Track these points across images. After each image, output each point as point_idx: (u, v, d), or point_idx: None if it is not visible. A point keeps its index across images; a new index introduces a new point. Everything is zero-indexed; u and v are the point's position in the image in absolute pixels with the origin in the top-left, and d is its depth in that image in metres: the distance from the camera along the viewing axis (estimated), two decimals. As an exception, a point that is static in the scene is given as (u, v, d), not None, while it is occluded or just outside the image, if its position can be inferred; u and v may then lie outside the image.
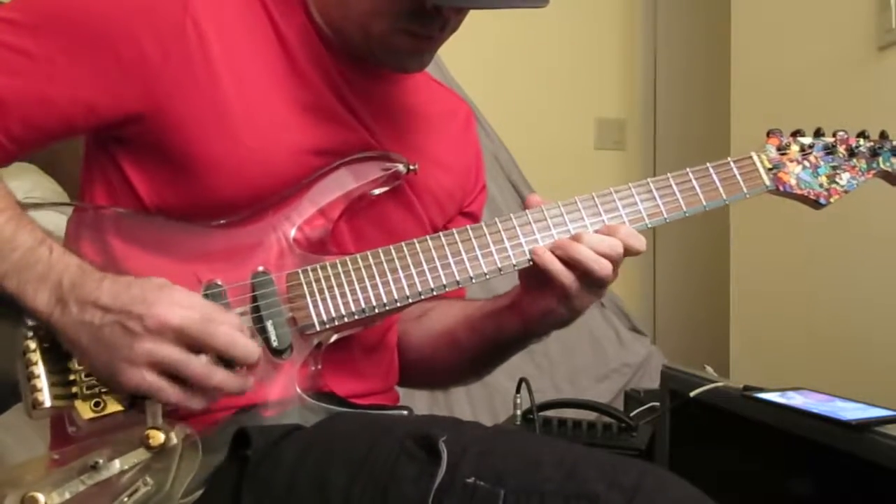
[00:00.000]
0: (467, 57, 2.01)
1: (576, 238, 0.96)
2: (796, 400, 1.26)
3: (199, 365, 0.84)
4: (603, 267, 0.94)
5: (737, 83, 2.42)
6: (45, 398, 0.85)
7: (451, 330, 1.12)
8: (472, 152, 1.20)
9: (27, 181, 1.72)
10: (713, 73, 2.71)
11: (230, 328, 0.85)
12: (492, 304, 1.07)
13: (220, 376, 0.85)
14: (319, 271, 0.95)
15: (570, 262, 0.95)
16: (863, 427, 1.10)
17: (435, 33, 0.96)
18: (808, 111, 2.07)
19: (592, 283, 0.96)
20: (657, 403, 1.81)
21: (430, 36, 0.97)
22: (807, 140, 1.08)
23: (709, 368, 1.83)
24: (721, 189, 1.02)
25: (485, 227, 0.98)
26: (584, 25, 3.02)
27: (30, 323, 0.87)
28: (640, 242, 0.97)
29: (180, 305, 0.84)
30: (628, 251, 0.96)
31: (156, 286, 0.85)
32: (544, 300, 0.99)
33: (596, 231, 0.97)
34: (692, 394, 1.42)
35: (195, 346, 0.84)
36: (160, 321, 0.82)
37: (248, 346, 0.86)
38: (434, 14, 0.93)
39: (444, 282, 0.96)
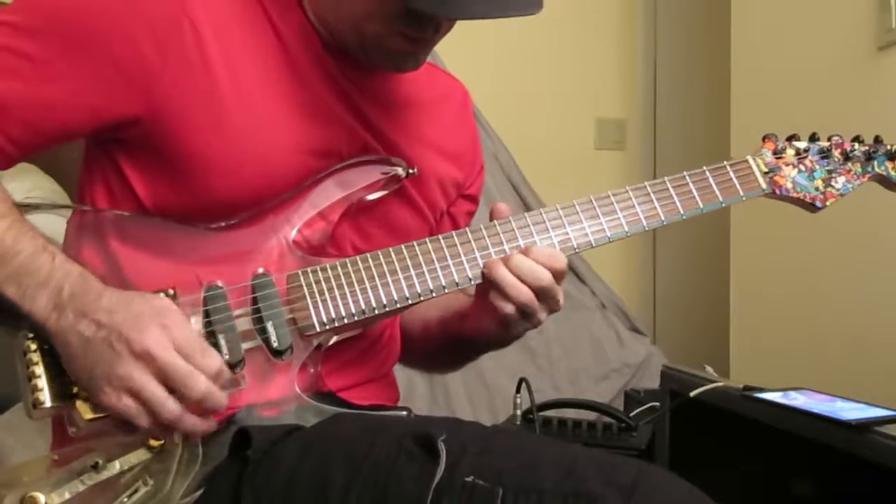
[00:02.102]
0: (468, 57, 2.01)
1: (505, 260, 0.95)
2: (796, 400, 1.26)
3: (172, 408, 0.84)
4: (520, 294, 0.94)
5: (737, 83, 2.42)
6: (46, 398, 0.85)
7: (425, 318, 1.14)
8: (470, 134, 1.21)
9: (27, 181, 1.72)
10: (713, 73, 2.71)
11: (208, 382, 0.85)
12: (462, 302, 1.08)
13: (190, 422, 0.86)
14: (319, 273, 0.96)
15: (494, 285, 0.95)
16: (863, 427, 1.10)
17: (429, 35, 0.96)
18: (809, 111, 2.07)
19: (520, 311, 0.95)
20: (657, 403, 1.81)
21: (424, 38, 0.97)
22: (802, 144, 1.08)
23: (709, 368, 1.83)
24: (718, 192, 1.03)
25: (483, 230, 0.99)
26: (584, 26, 3.01)
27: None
28: (560, 263, 0.96)
29: (172, 341, 0.84)
30: (555, 275, 0.95)
31: (155, 311, 0.86)
32: (488, 312, 0.98)
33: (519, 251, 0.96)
34: (692, 394, 1.42)
35: (172, 387, 0.84)
36: (145, 349, 0.83)
37: (219, 401, 0.86)
38: (428, 17, 0.93)
39: (443, 282, 0.97)
